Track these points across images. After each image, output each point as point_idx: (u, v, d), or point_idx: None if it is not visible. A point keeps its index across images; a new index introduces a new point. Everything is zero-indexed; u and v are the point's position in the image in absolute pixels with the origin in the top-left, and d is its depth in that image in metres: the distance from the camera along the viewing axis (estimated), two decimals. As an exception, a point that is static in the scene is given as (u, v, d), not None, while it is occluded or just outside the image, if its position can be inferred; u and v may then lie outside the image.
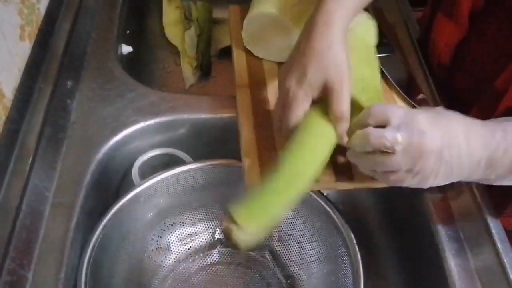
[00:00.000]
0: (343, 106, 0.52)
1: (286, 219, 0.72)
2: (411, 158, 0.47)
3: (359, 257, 0.60)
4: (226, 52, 0.95)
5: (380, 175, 0.51)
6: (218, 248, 0.74)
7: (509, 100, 0.57)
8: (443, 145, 0.47)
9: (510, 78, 0.57)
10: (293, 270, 0.71)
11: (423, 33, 0.76)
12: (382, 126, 0.48)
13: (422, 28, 0.76)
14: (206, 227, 0.74)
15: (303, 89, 0.53)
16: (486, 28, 0.61)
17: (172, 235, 0.72)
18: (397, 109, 0.48)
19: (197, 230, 0.74)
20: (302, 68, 0.53)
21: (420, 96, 0.68)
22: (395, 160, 0.47)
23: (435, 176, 0.48)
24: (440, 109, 0.50)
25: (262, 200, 0.50)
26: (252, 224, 0.48)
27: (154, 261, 0.70)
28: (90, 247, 0.59)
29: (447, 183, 0.51)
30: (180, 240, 0.73)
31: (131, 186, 0.66)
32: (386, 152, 0.47)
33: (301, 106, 0.54)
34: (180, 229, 0.73)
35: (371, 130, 0.48)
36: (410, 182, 0.49)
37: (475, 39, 0.63)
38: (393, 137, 0.46)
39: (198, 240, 0.74)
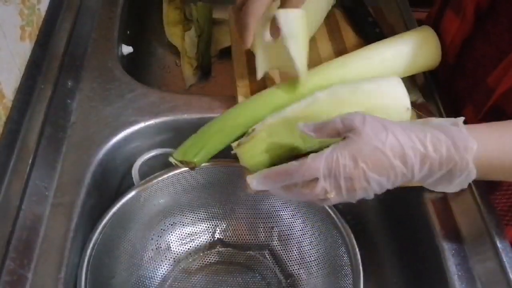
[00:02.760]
0: None
1: (286, 219, 0.72)
2: (345, 195, 0.47)
3: (359, 257, 0.60)
4: (226, 52, 0.95)
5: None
6: (218, 248, 0.74)
7: (498, 98, 0.57)
8: (369, 170, 0.45)
9: (501, 76, 0.57)
10: (293, 270, 0.71)
11: None
12: None
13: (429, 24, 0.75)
14: (206, 227, 0.74)
15: None
16: (490, 29, 0.62)
17: (172, 235, 0.72)
18: (317, 164, 0.46)
19: (197, 230, 0.74)
20: None
21: (420, 100, 0.68)
22: (330, 201, 0.47)
23: (366, 190, 0.47)
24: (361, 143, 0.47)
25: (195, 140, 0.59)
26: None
27: (154, 261, 0.70)
28: (90, 247, 0.59)
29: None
30: (180, 240, 0.73)
31: (131, 186, 0.66)
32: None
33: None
34: (180, 229, 0.73)
35: (300, 192, 0.48)
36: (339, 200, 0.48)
37: (480, 39, 0.63)
38: (323, 190, 0.46)
39: (198, 240, 0.74)
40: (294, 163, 0.48)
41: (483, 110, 0.59)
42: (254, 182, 0.51)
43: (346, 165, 0.45)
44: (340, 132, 0.47)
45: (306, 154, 0.53)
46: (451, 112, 0.68)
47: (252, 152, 0.56)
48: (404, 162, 0.45)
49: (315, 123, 0.49)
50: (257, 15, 0.56)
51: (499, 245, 0.57)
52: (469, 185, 0.61)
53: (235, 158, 0.59)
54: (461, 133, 0.46)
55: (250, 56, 0.74)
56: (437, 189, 0.49)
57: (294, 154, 0.59)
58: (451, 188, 0.48)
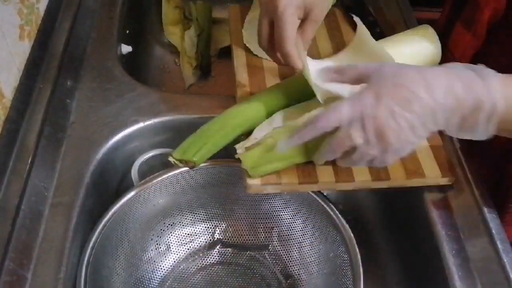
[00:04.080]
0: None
1: (286, 219, 0.72)
2: (376, 143, 0.46)
3: (359, 257, 0.60)
4: (225, 52, 0.95)
5: (347, 161, 0.51)
6: (217, 248, 0.74)
7: None
8: (395, 109, 0.44)
9: None
10: (293, 270, 0.71)
11: None
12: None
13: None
14: (205, 227, 0.74)
15: (292, 5, 0.55)
16: (505, 40, 0.61)
17: (171, 235, 0.72)
18: (337, 111, 0.46)
19: (197, 230, 0.74)
20: None
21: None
22: (363, 151, 0.47)
23: (405, 143, 0.46)
24: (394, 72, 0.46)
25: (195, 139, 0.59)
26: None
27: (154, 261, 0.70)
28: (90, 247, 0.59)
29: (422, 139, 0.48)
30: (180, 240, 0.73)
31: (130, 186, 0.66)
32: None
33: (293, 25, 0.56)
34: (179, 229, 0.73)
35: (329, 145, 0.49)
36: (389, 157, 0.48)
37: (495, 51, 0.63)
38: (350, 139, 0.46)
39: (198, 240, 0.74)
40: (315, 112, 0.48)
41: None
42: (281, 144, 0.51)
43: (369, 103, 0.44)
44: (360, 77, 0.47)
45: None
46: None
47: (257, 159, 0.56)
48: (429, 92, 0.44)
49: (337, 66, 0.51)
50: (292, 40, 0.56)
51: (499, 245, 0.57)
52: (470, 184, 0.61)
53: (235, 158, 0.59)
54: (487, 71, 0.45)
55: (250, 56, 0.74)
56: (462, 135, 0.48)
57: (297, 163, 0.58)
58: (478, 131, 0.47)
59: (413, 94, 0.44)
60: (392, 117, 0.44)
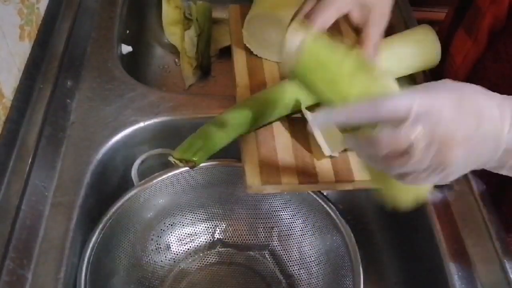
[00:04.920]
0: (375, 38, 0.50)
1: (286, 219, 0.72)
2: (434, 156, 0.39)
3: (359, 257, 0.60)
4: (225, 52, 0.95)
5: (395, 177, 0.43)
6: (217, 248, 0.74)
7: None
8: (472, 135, 0.39)
9: None
10: (293, 270, 0.71)
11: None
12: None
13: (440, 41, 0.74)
14: (205, 227, 0.74)
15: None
16: (501, 49, 0.61)
17: (171, 235, 0.72)
18: (409, 98, 0.38)
19: (197, 230, 0.74)
20: None
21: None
22: (414, 161, 0.39)
23: (459, 170, 0.41)
24: (459, 87, 0.42)
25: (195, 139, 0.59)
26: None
27: (154, 261, 0.70)
28: (90, 247, 0.59)
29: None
30: (180, 240, 0.73)
31: (130, 186, 0.66)
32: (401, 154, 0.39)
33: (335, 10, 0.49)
34: (179, 229, 0.73)
35: (380, 138, 0.39)
36: (431, 180, 0.42)
37: (491, 59, 0.63)
38: (410, 137, 0.38)
39: (198, 240, 0.74)
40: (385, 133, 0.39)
41: None
42: (317, 115, 0.41)
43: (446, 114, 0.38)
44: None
45: None
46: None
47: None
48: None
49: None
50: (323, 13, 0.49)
51: (499, 245, 0.57)
52: (470, 185, 0.62)
53: (235, 158, 0.59)
54: None
55: (249, 56, 0.74)
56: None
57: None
58: None
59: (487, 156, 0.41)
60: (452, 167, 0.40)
